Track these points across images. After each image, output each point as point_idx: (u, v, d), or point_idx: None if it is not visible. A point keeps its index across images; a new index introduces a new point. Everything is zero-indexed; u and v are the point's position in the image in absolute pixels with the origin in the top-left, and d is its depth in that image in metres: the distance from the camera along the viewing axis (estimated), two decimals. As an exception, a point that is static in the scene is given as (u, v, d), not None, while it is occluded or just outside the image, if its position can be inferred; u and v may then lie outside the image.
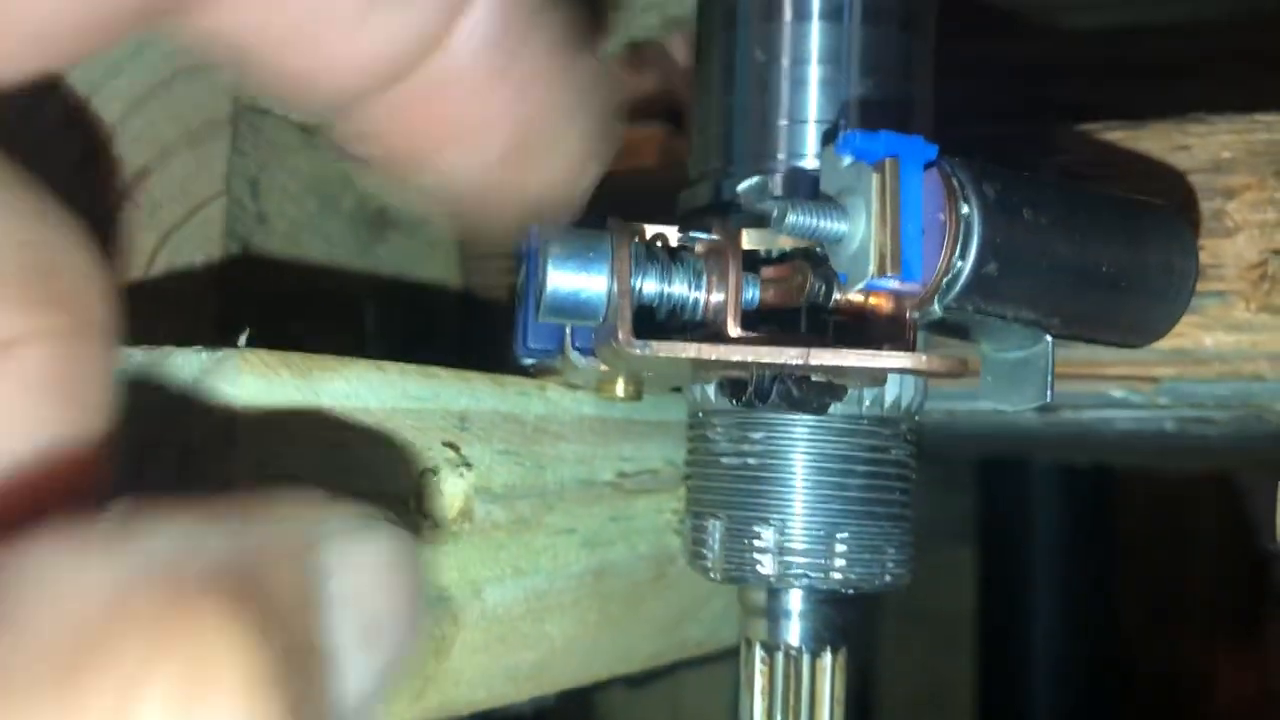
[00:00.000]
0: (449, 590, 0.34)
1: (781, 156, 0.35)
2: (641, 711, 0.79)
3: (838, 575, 0.34)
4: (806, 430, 0.34)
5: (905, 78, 0.34)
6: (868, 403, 0.34)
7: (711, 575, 0.36)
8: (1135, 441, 0.86)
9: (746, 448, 0.35)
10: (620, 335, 0.28)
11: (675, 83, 0.81)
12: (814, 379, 0.30)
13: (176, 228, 0.43)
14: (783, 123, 0.35)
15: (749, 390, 0.31)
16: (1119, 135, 0.43)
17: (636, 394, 0.38)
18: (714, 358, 0.28)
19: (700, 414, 0.37)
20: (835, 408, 0.34)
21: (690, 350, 0.28)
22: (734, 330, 0.29)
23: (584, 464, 0.40)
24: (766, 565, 0.35)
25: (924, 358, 0.28)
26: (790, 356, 0.28)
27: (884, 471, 0.35)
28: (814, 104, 0.35)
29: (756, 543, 0.35)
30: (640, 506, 0.42)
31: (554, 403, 0.38)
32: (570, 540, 0.39)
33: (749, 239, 0.32)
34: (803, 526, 0.34)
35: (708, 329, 0.30)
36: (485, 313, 0.53)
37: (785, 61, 0.35)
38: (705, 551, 0.36)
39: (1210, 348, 0.43)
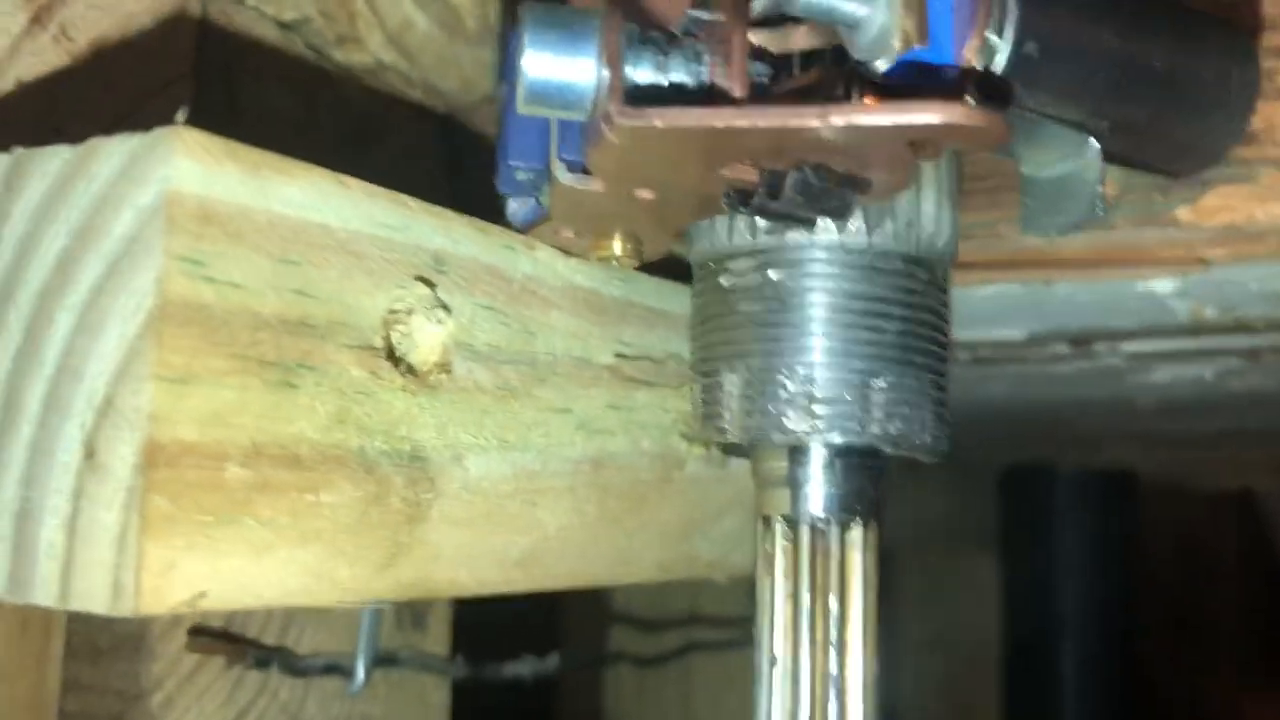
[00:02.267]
0: (425, 449, 0.31)
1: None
2: (652, 697, 0.73)
3: (875, 429, 0.30)
4: (834, 267, 0.31)
5: None
6: (902, 236, 0.31)
7: (729, 436, 0.32)
8: (1167, 413, 0.81)
9: (767, 289, 0.31)
10: (613, 106, 0.25)
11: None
12: (833, 169, 0.26)
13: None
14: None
15: (759, 191, 0.27)
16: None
17: (635, 254, 0.35)
18: (719, 125, 0.25)
19: (710, 264, 0.33)
20: (866, 241, 0.31)
21: (691, 117, 0.25)
22: (740, 92, 0.25)
23: (579, 340, 0.36)
24: (793, 419, 0.30)
25: (961, 108, 0.24)
26: (808, 116, 0.24)
27: (919, 318, 0.31)
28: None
29: (782, 394, 0.31)
30: (642, 399, 0.38)
31: (544, 265, 0.35)
32: (565, 420, 0.35)
33: (760, 39, 0.28)
34: (834, 374, 0.30)
35: (712, 119, 0.27)
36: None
37: None
38: (721, 410, 0.32)
39: (1263, 221, 0.39)
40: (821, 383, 0.30)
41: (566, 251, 0.35)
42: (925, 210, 0.31)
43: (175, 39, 0.41)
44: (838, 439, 0.31)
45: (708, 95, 0.26)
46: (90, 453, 0.25)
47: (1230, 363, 0.60)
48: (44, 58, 0.37)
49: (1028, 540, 1.31)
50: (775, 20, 0.29)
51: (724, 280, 0.32)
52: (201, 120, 0.42)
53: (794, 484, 0.32)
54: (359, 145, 0.49)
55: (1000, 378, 0.67)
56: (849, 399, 0.30)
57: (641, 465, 0.38)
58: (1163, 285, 0.44)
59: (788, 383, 0.31)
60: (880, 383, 0.31)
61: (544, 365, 0.35)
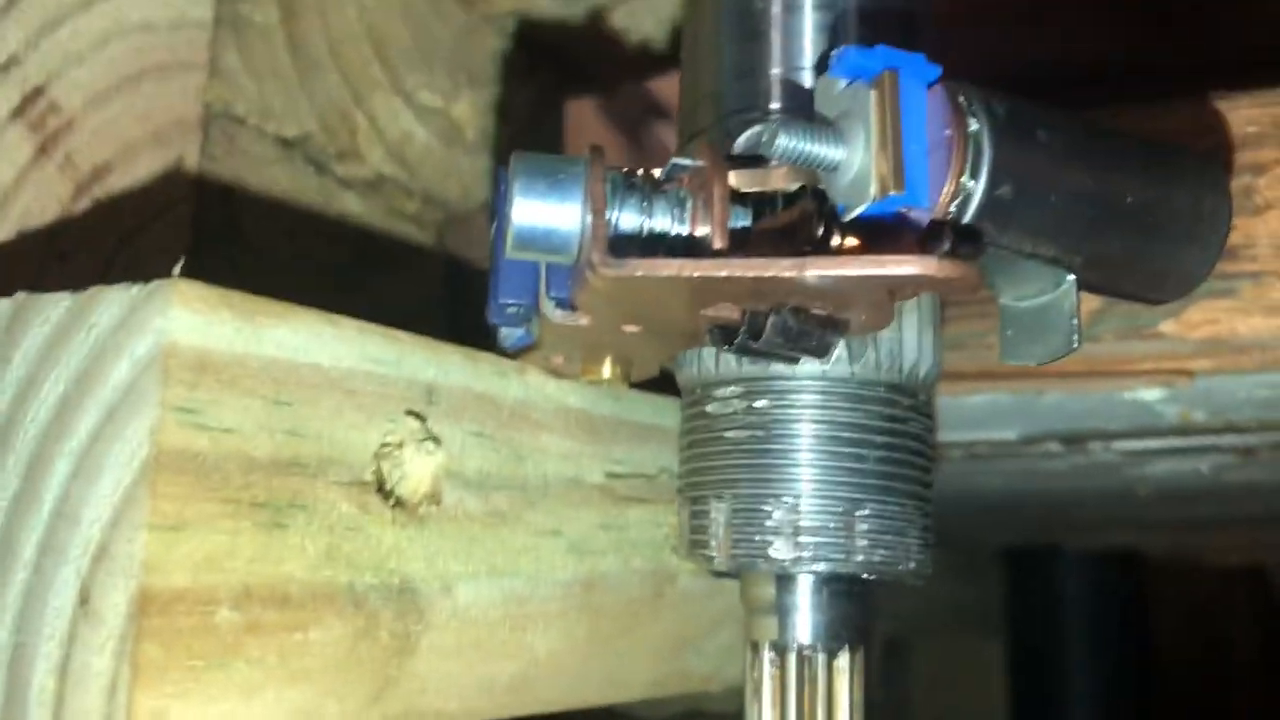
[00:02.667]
0: (414, 581, 0.31)
1: (776, 106, 0.32)
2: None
3: (860, 557, 0.31)
4: (818, 396, 0.31)
5: (906, 12, 0.32)
6: (885, 365, 0.31)
7: (716, 564, 0.32)
8: (1167, 502, 0.81)
9: (753, 418, 0.32)
10: (595, 256, 0.26)
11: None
12: (813, 311, 0.27)
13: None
14: (776, 71, 0.33)
15: (741, 331, 0.27)
16: (1143, 114, 0.41)
17: (625, 376, 0.35)
18: (697, 274, 0.25)
19: (697, 390, 0.33)
20: (849, 372, 0.31)
21: (671, 267, 0.25)
22: (719, 242, 0.26)
23: (569, 461, 0.36)
24: (780, 548, 0.31)
25: (934, 261, 0.25)
26: (784, 268, 0.25)
27: (903, 445, 0.32)
28: (809, 51, 0.32)
29: (768, 523, 0.31)
30: (634, 516, 0.39)
31: (534, 388, 0.35)
32: (555, 543, 0.36)
33: (740, 179, 0.29)
34: (819, 503, 0.31)
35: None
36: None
37: (777, 9, 0.33)
38: (708, 538, 0.32)
39: (1245, 334, 0.40)
40: (807, 512, 0.31)
41: (557, 375, 0.36)
42: (907, 339, 0.32)
43: (177, 162, 0.42)
44: (823, 568, 0.31)
45: (689, 242, 0.27)
46: (84, 599, 0.25)
47: (1225, 458, 0.61)
48: (49, 187, 0.38)
49: (1034, 620, 1.30)
50: (756, 160, 0.30)
51: (710, 408, 0.33)
52: (203, 244, 0.43)
53: (781, 611, 0.32)
54: (358, 259, 0.50)
55: (997, 472, 0.67)
56: (834, 528, 0.31)
57: (633, 584, 0.38)
58: (1150, 394, 0.44)
59: (774, 512, 0.31)
60: (865, 511, 0.31)
61: (535, 489, 0.35)
